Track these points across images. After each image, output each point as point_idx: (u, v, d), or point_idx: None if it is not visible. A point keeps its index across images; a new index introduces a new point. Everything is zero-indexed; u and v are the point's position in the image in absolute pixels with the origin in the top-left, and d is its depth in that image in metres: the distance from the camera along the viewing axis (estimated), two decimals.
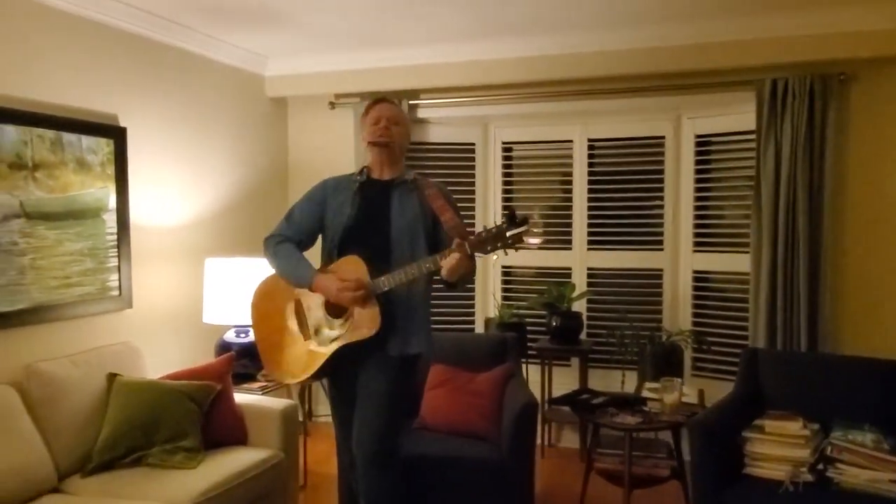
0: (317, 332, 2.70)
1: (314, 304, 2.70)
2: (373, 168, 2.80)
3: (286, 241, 2.79)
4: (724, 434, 2.93)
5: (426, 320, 2.75)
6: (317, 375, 2.73)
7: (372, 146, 2.76)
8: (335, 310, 2.66)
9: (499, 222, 2.46)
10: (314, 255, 2.86)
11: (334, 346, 2.64)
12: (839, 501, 2.66)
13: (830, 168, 3.83)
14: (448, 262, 2.44)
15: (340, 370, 2.73)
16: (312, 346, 2.70)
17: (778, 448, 2.87)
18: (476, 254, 2.47)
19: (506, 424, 3.17)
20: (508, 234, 2.42)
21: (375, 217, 2.69)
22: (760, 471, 2.88)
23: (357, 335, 2.59)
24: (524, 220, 2.43)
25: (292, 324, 2.76)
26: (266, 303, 2.86)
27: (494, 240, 2.43)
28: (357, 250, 2.62)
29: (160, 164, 3.91)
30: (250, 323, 2.93)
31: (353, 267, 2.59)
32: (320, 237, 2.86)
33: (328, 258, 2.75)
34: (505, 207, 2.52)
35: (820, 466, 2.79)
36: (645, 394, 3.40)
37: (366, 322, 2.56)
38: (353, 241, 2.67)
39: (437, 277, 2.59)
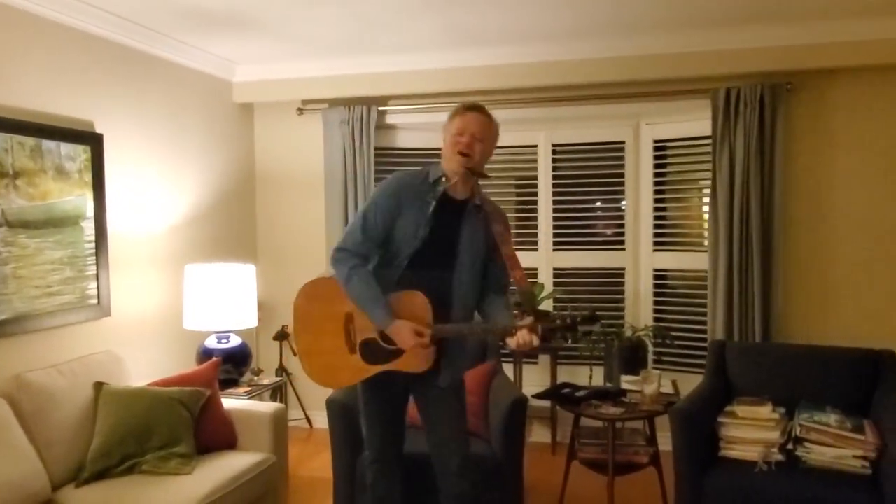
0: (363, 349, 2.67)
1: (367, 324, 2.62)
2: (448, 180, 2.56)
3: (362, 266, 2.60)
4: (702, 420, 3.14)
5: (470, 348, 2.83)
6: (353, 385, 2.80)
7: (451, 159, 2.54)
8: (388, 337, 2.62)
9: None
10: None
11: (379, 368, 2.63)
12: (808, 478, 2.89)
13: (780, 171, 4.11)
14: (518, 340, 2.41)
15: (387, 382, 2.69)
16: (355, 360, 2.66)
17: (750, 431, 3.09)
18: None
19: (496, 420, 3.28)
20: (580, 329, 2.47)
21: (444, 244, 2.59)
22: (735, 453, 3.10)
23: (406, 366, 2.58)
24: (597, 319, 2.48)
25: (338, 333, 2.68)
26: (314, 305, 2.74)
27: (564, 331, 2.47)
28: (420, 276, 2.55)
29: (135, 171, 3.88)
30: (293, 320, 2.79)
31: (419, 310, 2.53)
32: None
33: (389, 274, 2.60)
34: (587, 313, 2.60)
35: (789, 446, 3.03)
36: (624, 386, 3.57)
37: (419, 358, 2.56)
38: (418, 263, 2.57)
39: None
